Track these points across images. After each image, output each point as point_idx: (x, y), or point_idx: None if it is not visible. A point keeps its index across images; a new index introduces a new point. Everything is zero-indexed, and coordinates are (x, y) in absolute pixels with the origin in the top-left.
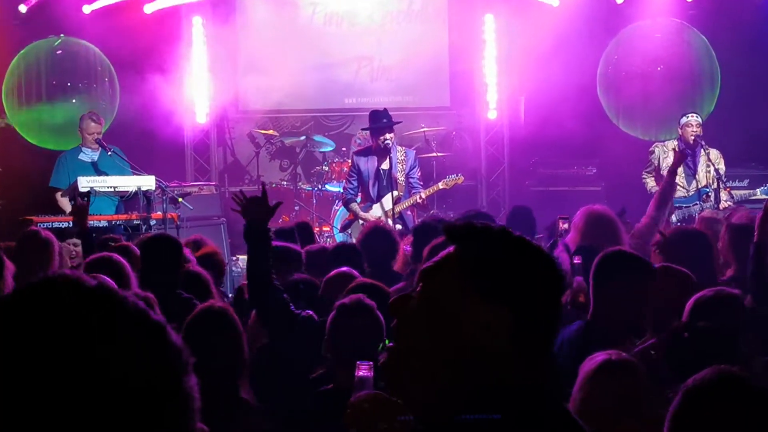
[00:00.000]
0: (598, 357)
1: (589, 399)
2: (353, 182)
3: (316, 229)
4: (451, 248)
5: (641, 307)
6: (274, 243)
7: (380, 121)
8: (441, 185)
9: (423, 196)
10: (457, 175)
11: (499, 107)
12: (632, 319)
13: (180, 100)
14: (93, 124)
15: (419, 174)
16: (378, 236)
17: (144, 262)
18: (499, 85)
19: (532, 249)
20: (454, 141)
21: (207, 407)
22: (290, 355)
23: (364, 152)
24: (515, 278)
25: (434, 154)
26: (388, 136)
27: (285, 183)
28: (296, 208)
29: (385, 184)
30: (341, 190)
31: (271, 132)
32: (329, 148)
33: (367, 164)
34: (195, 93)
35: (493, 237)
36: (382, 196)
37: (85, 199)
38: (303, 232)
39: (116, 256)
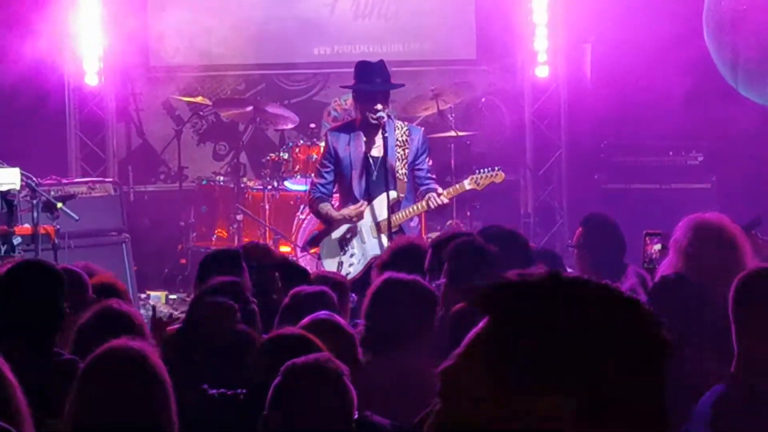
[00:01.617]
0: None
1: None
2: (327, 175)
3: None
4: (481, 324)
5: None
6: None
7: (371, 79)
8: (468, 185)
9: (444, 195)
10: (493, 170)
11: (553, 61)
12: None
13: (60, 52)
14: None
15: (430, 163)
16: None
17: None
18: (553, 27)
19: (607, 303)
20: (482, 113)
21: None
22: None
23: (345, 129)
24: (582, 353)
25: (452, 134)
26: (380, 106)
27: (221, 179)
28: (238, 217)
29: (376, 179)
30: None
31: (200, 100)
32: (290, 125)
33: (349, 148)
34: (83, 42)
35: (543, 297)
36: (373, 198)
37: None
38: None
39: None
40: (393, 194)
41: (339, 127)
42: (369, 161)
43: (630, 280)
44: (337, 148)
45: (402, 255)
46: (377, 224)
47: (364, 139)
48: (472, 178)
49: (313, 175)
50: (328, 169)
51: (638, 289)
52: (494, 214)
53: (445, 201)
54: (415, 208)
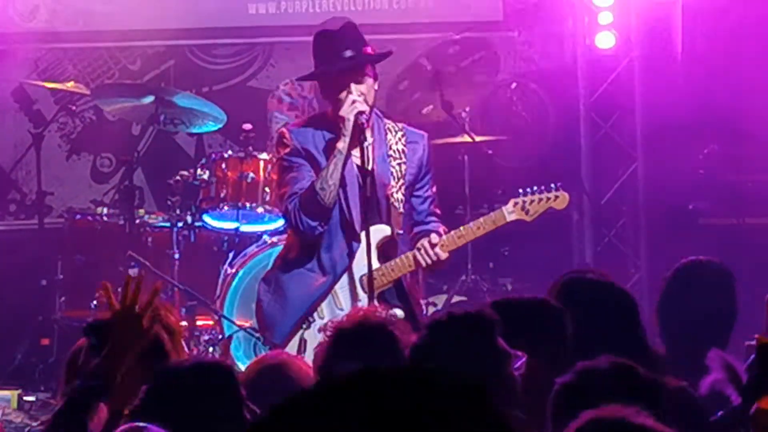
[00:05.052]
0: None
1: None
2: (308, 175)
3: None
4: None
5: None
6: None
7: (338, 52)
8: (510, 213)
9: (449, 241)
10: (549, 189)
11: (624, 23)
12: None
13: None
14: None
15: (434, 190)
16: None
17: None
18: None
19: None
20: (512, 105)
21: None
22: None
23: (315, 125)
24: None
25: (465, 139)
26: (357, 93)
27: (105, 212)
28: (132, 271)
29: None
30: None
31: (71, 86)
32: (213, 126)
33: (323, 153)
34: None
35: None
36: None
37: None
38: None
39: None
40: (384, 230)
41: (305, 124)
42: (357, 175)
43: (715, 372)
44: (310, 151)
45: (351, 342)
46: (359, 279)
47: (337, 140)
48: (517, 204)
49: (282, 192)
50: (305, 167)
51: (727, 389)
52: (532, 266)
53: (442, 255)
54: (404, 261)
